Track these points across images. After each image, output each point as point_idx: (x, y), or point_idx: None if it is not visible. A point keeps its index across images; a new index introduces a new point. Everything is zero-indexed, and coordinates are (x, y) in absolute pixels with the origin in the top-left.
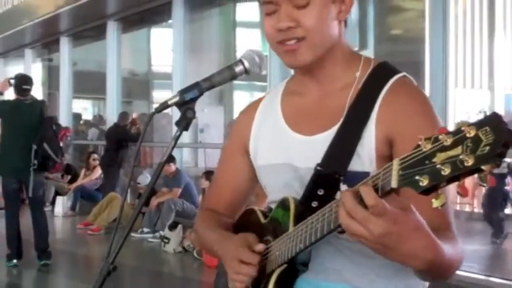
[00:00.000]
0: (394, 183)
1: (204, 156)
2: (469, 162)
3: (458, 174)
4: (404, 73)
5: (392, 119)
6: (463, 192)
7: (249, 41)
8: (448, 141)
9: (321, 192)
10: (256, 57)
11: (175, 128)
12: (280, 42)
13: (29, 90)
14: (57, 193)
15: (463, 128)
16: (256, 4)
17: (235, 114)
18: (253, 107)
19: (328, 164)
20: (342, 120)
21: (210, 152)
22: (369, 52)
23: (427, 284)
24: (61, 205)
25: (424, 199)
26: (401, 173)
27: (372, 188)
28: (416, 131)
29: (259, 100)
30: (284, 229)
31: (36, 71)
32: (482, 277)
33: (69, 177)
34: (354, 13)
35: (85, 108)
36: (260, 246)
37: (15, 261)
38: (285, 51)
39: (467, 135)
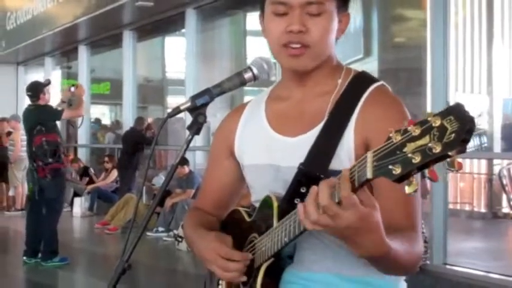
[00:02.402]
0: (369, 174)
1: None
2: (437, 149)
3: (428, 161)
4: (382, 82)
5: (369, 124)
6: (433, 177)
7: (259, 49)
8: (417, 131)
9: (303, 190)
10: (265, 64)
11: (188, 132)
12: (285, 44)
13: (30, 96)
14: (76, 194)
15: (429, 119)
16: None
17: None
18: (237, 111)
19: (310, 163)
20: (323, 122)
21: None
22: (373, 59)
23: None
24: (79, 206)
25: (396, 200)
26: (375, 164)
27: (348, 181)
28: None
29: (244, 105)
30: (269, 225)
31: (55, 78)
32: (482, 273)
33: (87, 179)
34: (359, 22)
35: (103, 114)
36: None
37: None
38: (289, 55)
39: (434, 124)
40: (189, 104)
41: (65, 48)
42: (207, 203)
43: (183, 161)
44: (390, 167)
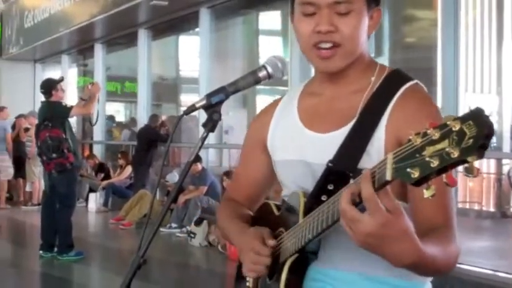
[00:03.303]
0: (388, 176)
1: (229, 156)
2: (455, 154)
3: (446, 165)
4: (416, 81)
5: (402, 122)
6: (450, 182)
7: (271, 48)
8: (436, 135)
9: (331, 187)
10: (279, 63)
11: (202, 130)
12: (315, 44)
13: (43, 93)
14: (91, 190)
15: (449, 123)
16: (278, 13)
17: None
18: (272, 105)
19: (339, 161)
20: (354, 120)
21: (234, 152)
22: (384, 59)
23: None
24: (94, 201)
25: (431, 199)
26: (394, 166)
27: (370, 183)
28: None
29: (279, 100)
30: (295, 221)
31: (72, 75)
32: (490, 272)
33: (102, 175)
34: None
35: (117, 111)
36: (271, 242)
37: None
38: (319, 57)
39: (453, 129)
40: (204, 102)
41: (81, 46)
42: (240, 195)
43: (197, 159)
44: (409, 170)
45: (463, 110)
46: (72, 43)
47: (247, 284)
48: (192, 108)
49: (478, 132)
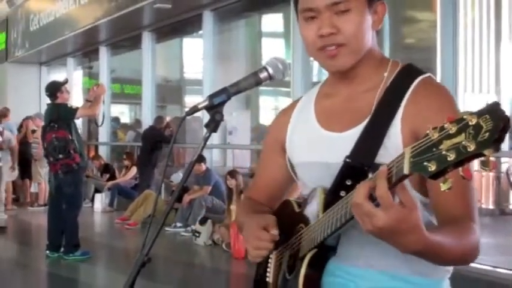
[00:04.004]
0: (406, 170)
1: (232, 156)
2: (471, 147)
3: (462, 159)
4: (429, 74)
5: (418, 114)
6: (466, 175)
7: (274, 50)
8: (453, 129)
9: (349, 182)
10: (280, 65)
11: (205, 131)
12: (321, 48)
13: (48, 96)
14: (97, 190)
15: (465, 117)
16: (280, 15)
17: (261, 118)
18: (290, 107)
19: (356, 156)
20: (369, 116)
21: (237, 152)
22: None
23: (450, 269)
24: (100, 202)
25: (451, 191)
26: (411, 160)
27: (384, 178)
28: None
29: (297, 101)
30: (315, 216)
31: (77, 77)
32: (490, 268)
33: (107, 175)
34: None
35: (122, 113)
36: (274, 231)
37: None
38: (326, 57)
39: (470, 123)
40: (206, 103)
41: (86, 49)
42: (260, 195)
43: (200, 159)
44: (426, 163)
45: (462, 110)
46: (77, 46)
47: (267, 279)
48: (194, 109)
49: (494, 125)
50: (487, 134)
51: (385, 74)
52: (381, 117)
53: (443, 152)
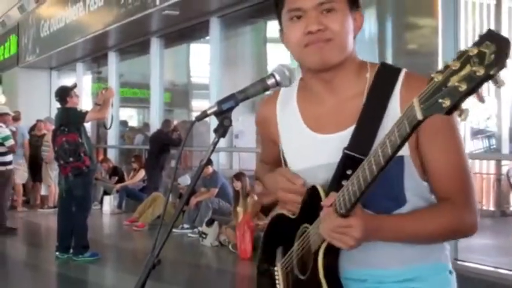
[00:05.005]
0: (419, 116)
1: (239, 159)
2: (481, 72)
3: (475, 85)
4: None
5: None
6: (480, 99)
7: (279, 56)
8: (457, 65)
9: (349, 172)
10: (287, 71)
11: (212, 135)
12: (307, 45)
13: (58, 100)
14: (106, 193)
15: (465, 50)
16: None
17: None
18: (271, 102)
19: (354, 147)
20: (361, 109)
21: (243, 155)
22: None
23: (444, 248)
24: (108, 204)
25: (446, 169)
26: (422, 106)
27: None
28: (441, 118)
29: (275, 97)
30: (318, 211)
31: (86, 82)
32: (491, 269)
33: (116, 178)
34: (374, 29)
35: (131, 116)
36: (300, 180)
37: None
38: (313, 51)
39: (471, 54)
40: (215, 109)
41: (96, 54)
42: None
43: (208, 162)
44: (440, 100)
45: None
46: (87, 51)
47: (277, 283)
48: (204, 115)
49: (497, 46)
50: (493, 55)
51: (367, 75)
52: (374, 107)
53: (455, 84)
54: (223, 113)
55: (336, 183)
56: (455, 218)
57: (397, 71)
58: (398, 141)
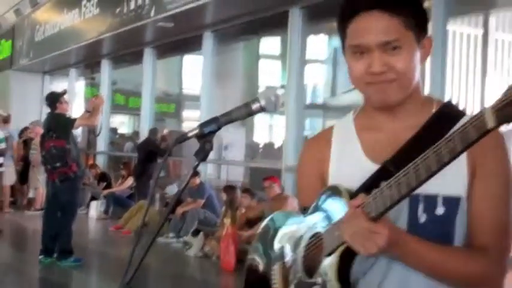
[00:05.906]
0: (491, 123)
1: (227, 170)
2: None
3: None
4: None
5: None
6: None
7: (270, 71)
8: None
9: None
10: (272, 97)
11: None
12: (369, 83)
13: (48, 105)
14: (93, 198)
15: None
16: (278, 39)
17: (255, 135)
18: (322, 138)
19: (395, 162)
20: (414, 134)
21: (231, 166)
22: None
23: None
24: (95, 209)
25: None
26: (496, 114)
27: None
28: (495, 163)
29: (327, 133)
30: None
31: (79, 88)
32: None
33: (104, 184)
34: None
35: (122, 123)
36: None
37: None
38: (375, 91)
39: None
40: (197, 131)
41: (89, 61)
42: None
43: (195, 173)
44: None
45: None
46: (80, 58)
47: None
48: (184, 137)
49: None
50: None
51: (433, 110)
52: (425, 138)
53: None
54: (205, 136)
55: (363, 190)
56: (483, 269)
57: (461, 114)
58: (459, 148)
